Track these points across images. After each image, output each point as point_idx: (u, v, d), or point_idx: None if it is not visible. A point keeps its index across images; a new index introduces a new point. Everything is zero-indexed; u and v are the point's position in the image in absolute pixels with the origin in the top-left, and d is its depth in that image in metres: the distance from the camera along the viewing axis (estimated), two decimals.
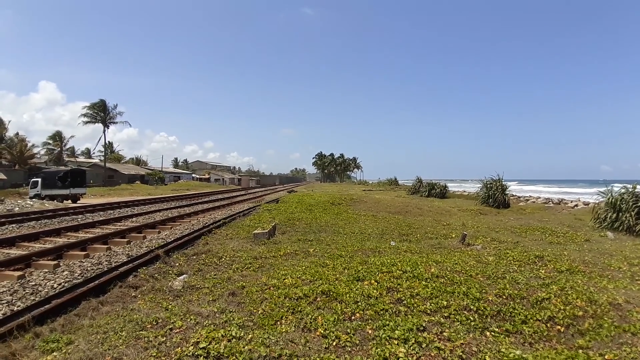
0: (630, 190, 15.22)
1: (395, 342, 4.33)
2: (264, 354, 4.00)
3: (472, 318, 5.08)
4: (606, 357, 4.14)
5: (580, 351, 4.29)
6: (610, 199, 15.30)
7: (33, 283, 7.27)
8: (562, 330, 4.87)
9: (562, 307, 5.40)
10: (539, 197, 36.44)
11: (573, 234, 13.02)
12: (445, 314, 5.17)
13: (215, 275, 7.37)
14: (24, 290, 6.82)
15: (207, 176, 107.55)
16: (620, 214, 14.31)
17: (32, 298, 6.43)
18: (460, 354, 4.14)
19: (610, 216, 14.68)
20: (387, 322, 4.82)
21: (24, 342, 4.50)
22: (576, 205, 26.07)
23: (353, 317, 5.07)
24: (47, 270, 8.16)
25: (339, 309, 5.29)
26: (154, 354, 4.02)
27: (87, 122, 67.46)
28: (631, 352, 4.24)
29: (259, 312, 5.23)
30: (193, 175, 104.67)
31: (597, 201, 17.05)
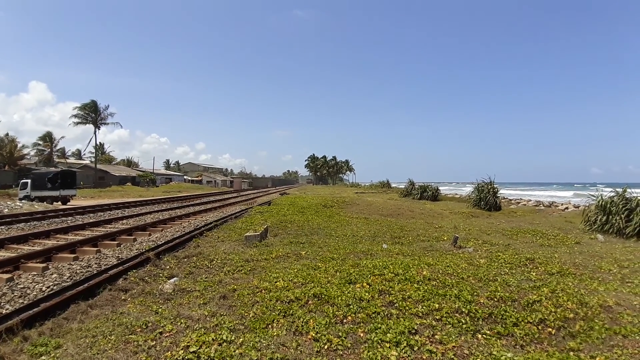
0: (620, 193, 15.36)
1: (387, 345, 4.31)
2: (255, 358, 3.97)
3: (463, 321, 5.07)
4: (597, 359, 4.16)
5: (572, 353, 4.31)
6: (600, 202, 15.44)
7: (21, 286, 7.17)
8: (553, 333, 4.88)
9: (553, 310, 5.42)
10: (530, 200, 36.78)
11: (564, 236, 13.12)
12: (437, 317, 5.17)
13: (206, 278, 7.32)
14: (13, 293, 6.72)
15: (199, 178, 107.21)
16: (610, 216, 14.43)
17: (21, 301, 6.34)
18: (452, 356, 4.13)
19: (600, 219, 14.80)
20: (379, 325, 4.80)
21: (13, 345, 4.42)
22: (566, 208, 26.30)
23: (345, 320, 5.06)
24: (35, 273, 8.07)
25: (331, 312, 5.26)
26: (144, 358, 3.98)
27: (77, 123, 67.05)
28: (622, 354, 4.26)
29: (250, 316, 5.20)
30: (185, 177, 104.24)
31: (587, 204, 17.18)
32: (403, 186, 49.31)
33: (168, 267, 8.26)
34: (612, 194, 15.74)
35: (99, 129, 69.21)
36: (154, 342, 4.36)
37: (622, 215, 13.94)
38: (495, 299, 5.84)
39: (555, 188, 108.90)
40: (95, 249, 10.45)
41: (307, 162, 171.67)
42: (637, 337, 4.66)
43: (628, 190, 15.54)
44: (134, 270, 7.84)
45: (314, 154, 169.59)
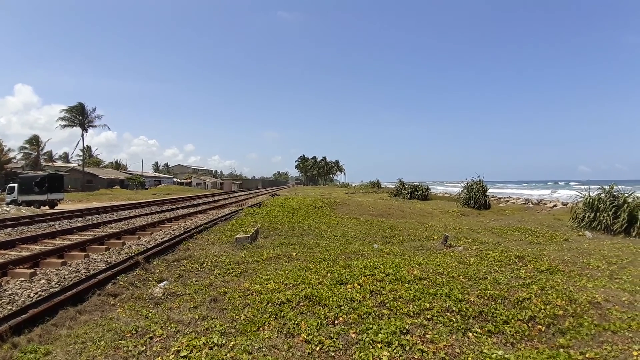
0: (608, 190, 15.53)
1: (379, 345, 4.32)
2: None
3: (454, 319, 5.10)
4: (587, 355, 4.19)
5: (562, 350, 4.34)
6: (588, 199, 15.59)
7: (9, 292, 7.08)
8: (543, 330, 4.91)
9: (542, 307, 5.46)
10: (519, 198, 37.03)
11: (552, 233, 13.23)
12: (428, 316, 5.19)
13: (196, 281, 7.28)
14: (0, 300, 6.64)
15: (188, 180, 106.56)
16: (598, 213, 14.58)
17: (9, 308, 6.25)
18: (443, 355, 4.15)
19: (588, 216, 14.95)
20: (371, 326, 4.81)
21: (2, 352, 4.37)
22: (555, 206, 26.54)
23: (336, 322, 5.05)
24: (23, 279, 7.96)
25: (322, 313, 5.26)
26: None
27: (65, 126, 66.24)
28: (612, 350, 4.30)
29: (241, 319, 5.17)
30: (174, 179, 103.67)
31: (575, 201, 17.35)
32: (393, 186, 49.49)
33: (158, 270, 8.19)
34: (599, 191, 15.90)
35: (86, 132, 68.46)
36: (144, 347, 4.33)
37: (609, 212, 14.10)
38: (486, 297, 5.87)
39: (526, 186, 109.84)
40: (84, 253, 10.34)
41: (297, 162, 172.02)
42: (626, 333, 4.71)
43: (615, 187, 15.70)
44: (123, 275, 7.77)
45: (304, 155, 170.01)
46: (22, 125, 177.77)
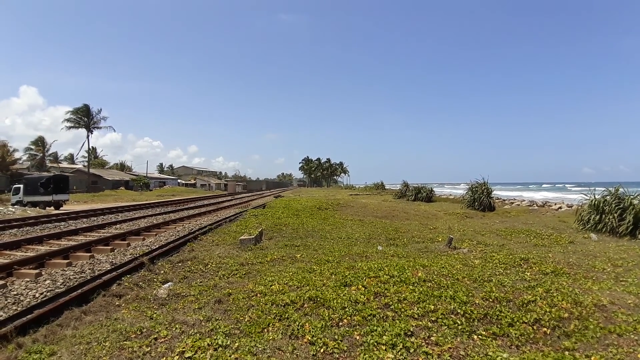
0: (613, 192, 15.45)
1: (383, 347, 4.31)
2: None
3: (459, 322, 5.08)
4: (592, 358, 4.17)
5: (567, 353, 4.32)
6: (593, 201, 15.52)
7: (15, 292, 7.12)
8: (548, 333, 4.89)
9: (547, 309, 5.43)
10: (524, 200, 36.87)
11: (557, 236, 13.18)
12: (433, 318, 5.17)
13: (201, 282, 7.29)
14: (6, 300, 6.67)
15: (193, 182, 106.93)
16: (604, 215, 14.52)
17: (15, 308, 6.29)
18: (448, 358, 4.14)
19: (593, 218, 14.88)
20: (375, 328, 4.80)
21: (7, 352, 4.39)
22: (560, 208, 26.41)
23: (341, 323, 5.04)
24: (29, 279, 8.01)
25: (327, 315, 5.25)
26: None
27: (70, 127, 66.64)
28: (617, 353, 4.28)
29: (246, 320, 5.18)
30: (179, 180, 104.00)
31: (581, 203, 17.28)
32: (397, 188, 49.54)
33: (162, 271, 8.21)
34: (605, 193, 15.83)
35: (91, 133, 68.82)
36: (149, 348, 4.34)
37: (615, 215, 14.03)
38: (490, 300, 5.85)
39: (521, 188, 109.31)
40: (89, 254, 10.38)
41: (301, 164, 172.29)
42: (632, 336, 4.69)
43: (620, 189, 15.62)
44: (128, 276, 7.79)
45: (308, 157, 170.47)
46: (27, 126, 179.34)
